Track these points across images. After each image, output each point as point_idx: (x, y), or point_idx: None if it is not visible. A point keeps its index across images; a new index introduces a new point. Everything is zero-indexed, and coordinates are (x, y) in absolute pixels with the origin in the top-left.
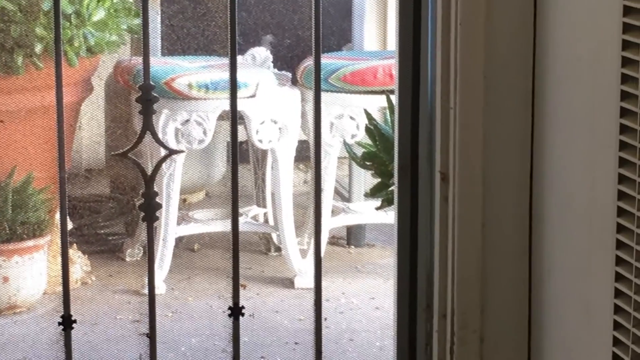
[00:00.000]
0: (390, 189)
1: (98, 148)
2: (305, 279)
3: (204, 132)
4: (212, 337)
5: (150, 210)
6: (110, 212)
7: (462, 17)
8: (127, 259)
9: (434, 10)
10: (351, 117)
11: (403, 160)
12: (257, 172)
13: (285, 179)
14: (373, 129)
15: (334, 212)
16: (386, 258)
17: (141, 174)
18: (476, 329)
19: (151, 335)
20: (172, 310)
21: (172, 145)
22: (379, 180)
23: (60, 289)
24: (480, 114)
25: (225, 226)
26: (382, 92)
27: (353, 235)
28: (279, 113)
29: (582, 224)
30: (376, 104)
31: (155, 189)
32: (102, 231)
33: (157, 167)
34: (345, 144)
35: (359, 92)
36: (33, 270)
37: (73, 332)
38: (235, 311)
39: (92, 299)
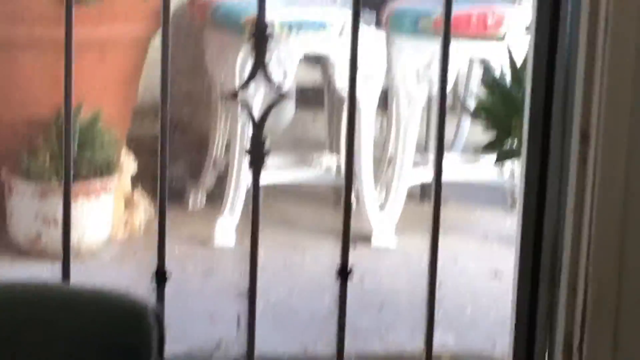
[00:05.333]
0: (507, 144)
1: None
2: (382, 235)
3: (284, 75)
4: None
5: (257, 154)
6: (175, 153)
7: None
8: (190, 207)
9: None
10: None
11: (535, 115)
12: (332, 119)
13: (366, 128)
14: (492, 82)
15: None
16: (462, 215)
17: (250, 117)
18: (612, 305)
19: (250, 295)
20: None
21: None
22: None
23: (125, 235)
24: (631, 67)
25: (294, 176)
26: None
27: (428, 192)
28: (364, 57)
29: None
30: (468, 53)
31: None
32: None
33: (269, 109)
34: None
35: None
36: (98, 213)
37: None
38: (343, 273)
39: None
